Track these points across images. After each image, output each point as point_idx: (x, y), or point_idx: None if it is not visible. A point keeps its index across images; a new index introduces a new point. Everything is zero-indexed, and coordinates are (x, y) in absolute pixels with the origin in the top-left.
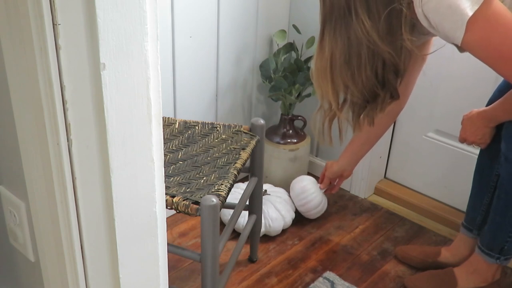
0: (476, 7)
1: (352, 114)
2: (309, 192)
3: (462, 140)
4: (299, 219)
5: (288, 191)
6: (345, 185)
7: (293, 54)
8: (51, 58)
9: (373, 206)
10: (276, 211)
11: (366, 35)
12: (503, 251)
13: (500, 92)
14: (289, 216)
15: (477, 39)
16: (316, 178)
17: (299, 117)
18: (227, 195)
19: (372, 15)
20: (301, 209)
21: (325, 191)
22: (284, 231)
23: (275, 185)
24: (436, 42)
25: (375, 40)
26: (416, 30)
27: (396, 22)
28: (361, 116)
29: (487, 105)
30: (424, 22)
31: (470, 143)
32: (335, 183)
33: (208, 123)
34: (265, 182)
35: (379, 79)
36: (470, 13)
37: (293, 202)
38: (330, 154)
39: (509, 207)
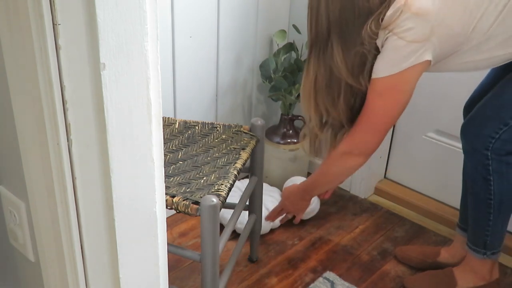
0: (405, 66)
1: (331, 134)
2: None
3: (282, 208)
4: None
5: None
6: (345, 185)
7: (293, 54)
8: (51, 58)
9: (373, 206)
10: (266, 211)
11: (338, 68)
12: (487, 246)
13: (481, 87)
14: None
15: (379, 89)
16: None
17: (299, 117)
18: (227, 195)
19: (345, 50)
20: None
21: (319, 196)
22: (284, 231)
23: (275, 185)
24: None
25: (344, 73)
26: None
27: (361, 62)
28: (340, 136)
29: (469, 100)
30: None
31: (287, 212)
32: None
33: (208, 123)
34: (265, 182)
35: (356, 106)
36: (397, 70)
37: None
38: None
39: (478, 201)
